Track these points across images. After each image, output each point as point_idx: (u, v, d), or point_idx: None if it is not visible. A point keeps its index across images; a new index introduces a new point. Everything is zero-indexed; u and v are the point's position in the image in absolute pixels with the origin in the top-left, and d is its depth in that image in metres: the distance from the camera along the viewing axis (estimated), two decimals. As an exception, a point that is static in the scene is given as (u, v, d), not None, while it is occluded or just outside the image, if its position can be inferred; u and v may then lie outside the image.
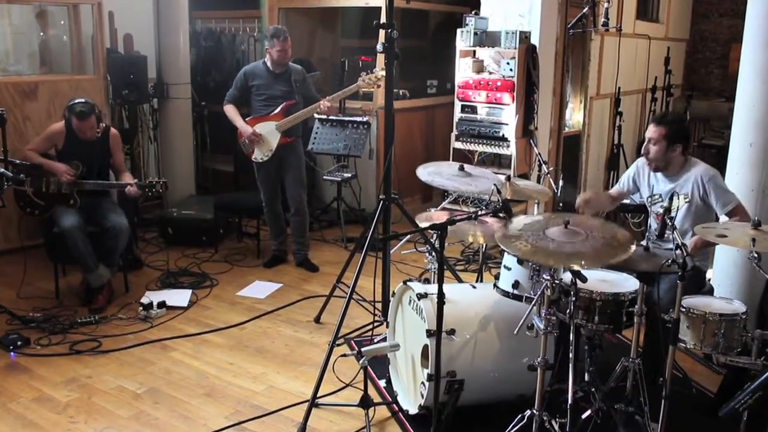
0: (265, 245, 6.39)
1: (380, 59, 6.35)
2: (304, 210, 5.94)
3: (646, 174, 4.13)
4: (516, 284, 3.37)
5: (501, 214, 3.35)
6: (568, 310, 3.17)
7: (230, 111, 5.77)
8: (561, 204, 4.60)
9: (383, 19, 4.13)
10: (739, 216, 3.75)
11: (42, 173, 5.04)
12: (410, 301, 3.69)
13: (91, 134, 5.08)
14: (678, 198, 3.91)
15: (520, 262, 3.35)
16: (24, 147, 5.24)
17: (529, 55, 6.16)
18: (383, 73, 5.04)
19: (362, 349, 3.32)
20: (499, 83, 6.16)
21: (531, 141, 6.19)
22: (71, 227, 4.91)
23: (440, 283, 3.12)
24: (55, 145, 5.15)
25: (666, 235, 3.19)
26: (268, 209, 5.97)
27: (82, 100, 5.05)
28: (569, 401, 3.13)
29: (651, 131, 3.95)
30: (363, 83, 5.40)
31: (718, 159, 8.45)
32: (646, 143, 3.99)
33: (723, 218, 3.82)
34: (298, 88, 5.70)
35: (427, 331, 3.36)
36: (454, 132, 6.50)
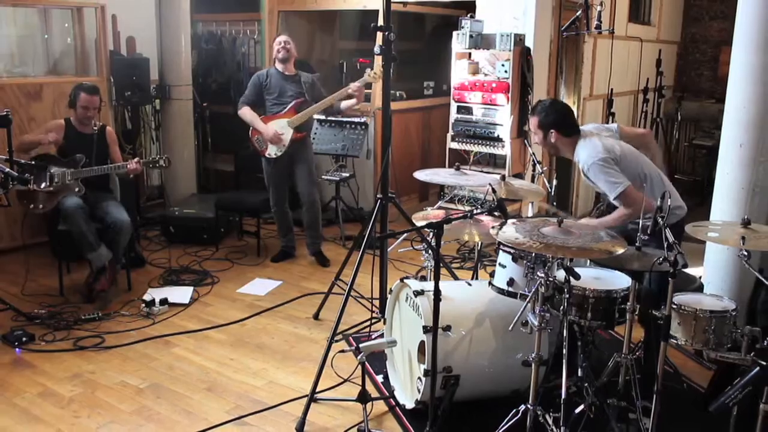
0: (266, 243, 6.41)
1: (378, 61, 6.34)
2: (316, 204, 6.00)
3: None
4: (511, 282, 3.36)
5: (496, 213, 3.34)
6: (561, 307, 3.18)
7: (247, 113, 5.80)
8: (555, 203, 4.61)
9: (381, 22, 4.13)
10: (629, 198, 3.70)
11: (45, 168, 5.02)
12: (407, 298, 3.68)
13: (93, 114, 5.20)
14: None
15: (515, 260, 3.34)
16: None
17: (523, 57, 6.17)
18: None
19: (360, 345, 3.32)
20: (494, 85, 6.15)
21: (525, 141, 6.19)
22: (74, 206, 4.95)
23: (436, 280, 3.12)
24: (56, 139, 5.16)
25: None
26: (276, 208, 6.02)
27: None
28: (563, 396, 3.13)
29: (530, 123, 4.06)
30: (369, 78, 5.56)
31: (709, 159, 8.46)
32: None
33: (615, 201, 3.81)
34: (308, 90, 5.80)
35: (424, 327, 3.35)
36: (450, 132, 6.49)
